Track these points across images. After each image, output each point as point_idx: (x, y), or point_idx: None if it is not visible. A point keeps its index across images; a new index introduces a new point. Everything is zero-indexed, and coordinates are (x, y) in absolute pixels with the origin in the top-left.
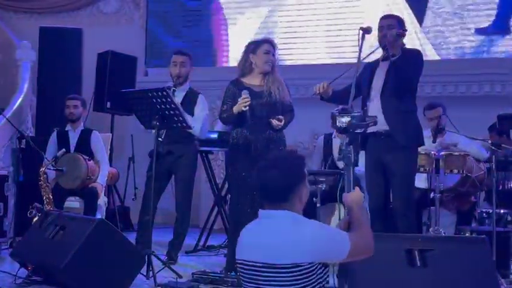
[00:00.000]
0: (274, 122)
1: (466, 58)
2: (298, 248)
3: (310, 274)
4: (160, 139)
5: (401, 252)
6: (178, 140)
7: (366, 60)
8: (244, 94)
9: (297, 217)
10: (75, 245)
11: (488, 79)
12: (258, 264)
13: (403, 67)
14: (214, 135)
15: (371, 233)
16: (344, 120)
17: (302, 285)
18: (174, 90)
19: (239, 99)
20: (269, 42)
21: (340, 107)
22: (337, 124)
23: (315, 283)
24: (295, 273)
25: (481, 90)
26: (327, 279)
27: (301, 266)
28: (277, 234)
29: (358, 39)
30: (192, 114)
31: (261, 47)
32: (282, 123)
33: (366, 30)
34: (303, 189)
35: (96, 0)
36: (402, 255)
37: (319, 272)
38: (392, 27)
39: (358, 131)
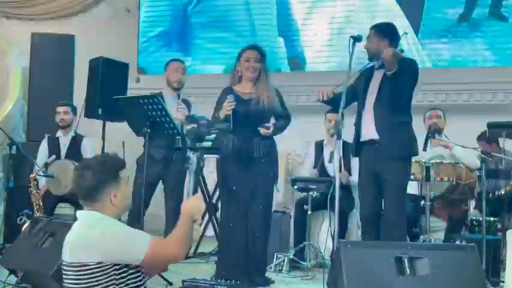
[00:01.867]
0: (262, 130)
1: (458, 67)
2: (86, 248)
3: (99, 274)
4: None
5: (391, 260)
6: (169, 145)
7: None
8: (230, 98)
9: (98, 217)
10: None
11: (479, 88)
12: (63, 263)
13: (400, 80)
14: (208, 143)
15: (180, 244)
16: (189, 127)
17: (90, 284)
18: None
19: (224, 104)
20: (252, 48)
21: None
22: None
23: (108, 284)
24: (83, 272)
25: (471, 99)
26: (133, 281)
27: (88, 265)
28: (74, 234)
29: (349, 47)
30: None
31: (243, 54)
32: (270, 130)
33: (356, 39)
34: (112, 189)
35: (88, 7)
36: (391, 263)
37: (112, 273)
38: (369, 39)
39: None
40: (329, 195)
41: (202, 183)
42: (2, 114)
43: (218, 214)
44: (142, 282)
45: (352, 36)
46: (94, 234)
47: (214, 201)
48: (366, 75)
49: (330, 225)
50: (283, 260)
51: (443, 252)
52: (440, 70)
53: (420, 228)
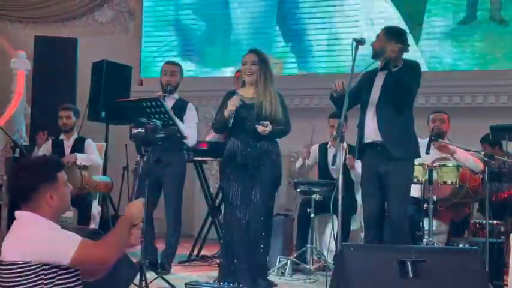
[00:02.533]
0: (260, 128)
1: (461, 70)
2: (16, 247)
3: (28, 273)
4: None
5: (394, 263)
6: (166, 147)
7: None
8: (235, 97)
9: (31, 217)
10: None
11: (482, 91)
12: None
13: (404, 78)
14: (204, 147)
15: (110, 247)
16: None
17: (20, 282)
18: (164, 96)
19: (229, 101)
20: (250, 52)
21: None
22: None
23: (36, 283)
24: (14, 270)
25: (474, 102)
26: (63, 282)
27: (17, 263)
28: (9, 233)
29: (352, 50)
30: (181, 121)
31: (243, 58)
32: (268, 129)
33: (359, 41)
34: (47, 191)
35: (91, 10)
36: (395, 266)
37: (41, 272)
38: (377, 39)
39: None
40: (332, 198)
41: (205, 186)
42: (6, 117)
43: (221, 217)
44: (74, 284)
45: (354, 39)
46: (23, 234)
47: (216, 204)
48: (368, 77)
49: (332, 228)
50: (286, 263)
51: (446, 256)
52: (443, 72)
53: (423, 231)
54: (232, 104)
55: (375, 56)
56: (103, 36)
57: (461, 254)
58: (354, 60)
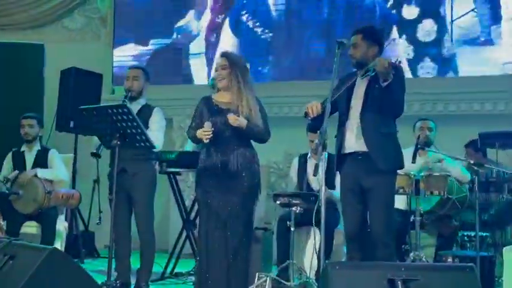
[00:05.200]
0: (231, 117)
1: (445, 77)
2: None
3: None
4: None
5: (384, 281)
6: (131, 157)
7: None
8: (207, 126)
9: None
10: (24, 276)
11: (466, 98)
12: None
13: (394, 91)
14: (172, 155)
15: None
16: None
17: None
18: (124, 102)
19: (199, 132)
20: (220, 56)
21: None
22: None
23: None
24: None
25: (459, 109)
26: None
27: None
28: None
29: (336, 53)
30: (146, 127)
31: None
32: (241, 119)
33: (342, 43)
34: None
35: (60, 17)
36: (385, 285)
37: None
38: (356, 46)
39: None
40: (314, 211)
41: (179, 199)
42: None
43: (196, 231)
44: None
45: (338, 41)
46: None
47: (191, 218)
48: (346, 83)
49: (314, 242)
50: (265, 280)
51: (439, 274)
52: (426, 79)
53: (410, 245)
54: (205, 139)
55: (359, 66)
56: (73, 44)
57: (456, 271)
58: (336, 63)
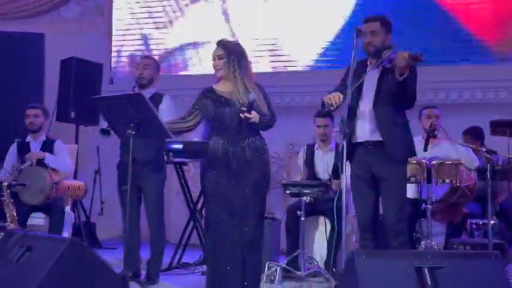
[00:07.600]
0: (248, 116)
1: (447, 65)
2: None
3: None
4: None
5: (411, 270)
6: (142, 146)
7: None
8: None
9: None
10: (45, 268)
11: (469, 86)
12: None
13: (409, 85)
14: (179, 146)
15: None
16: None
17: None
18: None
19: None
20: (217, 44)
21: None
22: None
23: None
24: None
25: (460, 98)
26: None
27: None
28: None
29: (353, 39)
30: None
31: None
32: (253, 115)
33: (361, 31)
34: None
35: (56, 6)
36: (411, 274)
37: None
38: (375, 33)
39: None
40: (335, 200)
41: (186, 189)
42: None
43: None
44: None
45: (356, 28)
46: None
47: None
48: (358, 73)
49: (325, 231)
50: (276, 269)
51: (465, 261)
52: (429, 68)
53: (421, 233)
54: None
55: (375, 54)
56: (70, 33)
57: (482, 259)
58: (355, 51)
